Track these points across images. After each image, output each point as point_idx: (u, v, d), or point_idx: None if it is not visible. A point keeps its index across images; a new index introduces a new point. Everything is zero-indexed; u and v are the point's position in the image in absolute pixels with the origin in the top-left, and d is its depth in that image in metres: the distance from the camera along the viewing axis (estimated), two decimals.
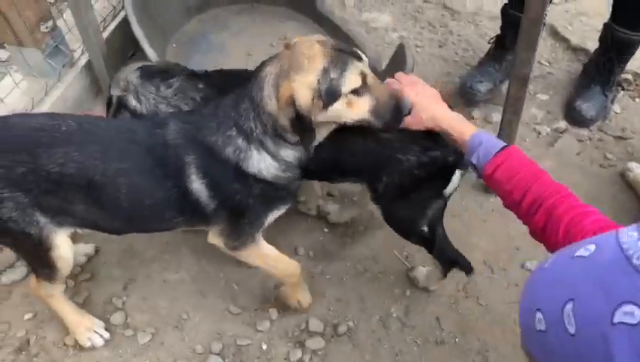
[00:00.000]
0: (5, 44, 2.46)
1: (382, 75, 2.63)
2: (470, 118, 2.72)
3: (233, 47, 3.01)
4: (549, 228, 1.31)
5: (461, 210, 2.35)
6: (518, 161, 1.44)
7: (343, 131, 1.63)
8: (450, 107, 1.65)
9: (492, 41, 2.80)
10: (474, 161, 1.49)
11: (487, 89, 2.71)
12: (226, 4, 3.21)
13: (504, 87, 2.80)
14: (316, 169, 1.74)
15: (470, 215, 2.34)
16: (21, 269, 2.13)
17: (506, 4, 2.65)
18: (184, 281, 2.13)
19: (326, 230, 2.29)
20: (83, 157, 1.50)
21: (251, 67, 2.78)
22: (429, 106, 1.60)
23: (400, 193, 1.74)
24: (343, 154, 1.74)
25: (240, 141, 1.55)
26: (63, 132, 1.51)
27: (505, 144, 1.48)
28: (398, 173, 1.69)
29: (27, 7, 2.29)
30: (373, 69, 2.72)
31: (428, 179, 1.70)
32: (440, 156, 1.66)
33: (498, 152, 1.46)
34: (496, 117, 2.72)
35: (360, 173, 1.79)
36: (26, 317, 2.03)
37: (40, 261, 1.68)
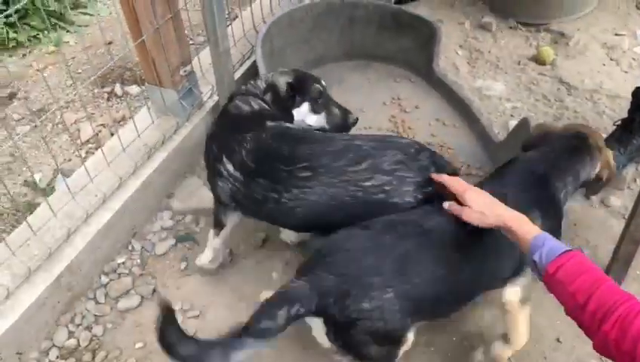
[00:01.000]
0: (146, 83, 2.64)
1: (501, 146, 2.63)
2: (587, 198, 2.63)
3: (346, 102, 3.07)
4: (621, 338, 1.23)
5: None
6: (582, 263, 1.39)
7: None
8: None
9: (617, 123, 2.72)
10: (536, 259, 1.45)
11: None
12: (341, 59, 3.32)
13: (626, 171, 2.71)
14: None
15: None
16: (136, 297, 2.24)
17: (638, 87, 2.57)
18: (288, 333, 2.14)
19: None
20: None
21: (362, 123, 2.88)
22: (493, 206, 1.63)
23: None
24: None
25: None
26: None
27: (570, 248, 1.45)
28: None
29: (173, 53, 2.47)
30: (487, 137, 2.74)
31: None
32: None
33: (562, 253, 1.42)
34: (614, 200, 2.62)
35: None
36: (137, 345, 2.12)
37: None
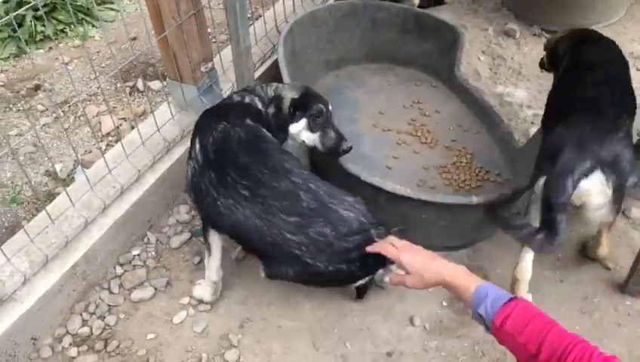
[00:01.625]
0: (167, 78, 2.67)
1: (520, 152, 2.60)
2: None
3: (366, 104, 3.09)
4: None
5: (592, 308, 2.21)
6: (528, 310, 1.37)
7: None
8: None
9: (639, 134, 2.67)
10: (482, 312, 1.41)
11: (633, 182, 2.57)
12: (362, 62, 3.32)
13: None
14: None
15: (603, 315, 2.19)
16: (150, 289, 2.26)
17: None
18: (298, 330, 2.15)
19: (444, 304, 2.23)
20: None
21: (381, 126, 2.86)
22: (430, 264, 1.60)
23: None
24: None
25: None
26: None
27: (513, 296, 1.41)
28: None
29: (195, 50, 2.50)
30: (506, 143, 2.72)
31: None
32: None
33: (506, 302, 1.39)
34: (635, 212, 2.57)
35: None
36: (149, 336, 2.13)
37: None
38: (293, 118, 2.17)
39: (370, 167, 2.63)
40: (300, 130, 2.20)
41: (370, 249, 1.84)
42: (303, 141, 2.24)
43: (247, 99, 2.18)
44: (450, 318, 2.19)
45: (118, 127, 2.97)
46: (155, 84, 3.24)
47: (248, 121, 2.08)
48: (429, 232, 2.32)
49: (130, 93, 3.21)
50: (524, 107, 3.17)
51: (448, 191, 2.58)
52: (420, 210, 2.20)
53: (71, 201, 2.22)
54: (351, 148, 2.20)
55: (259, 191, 1.90)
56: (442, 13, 3.62)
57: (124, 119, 3.04)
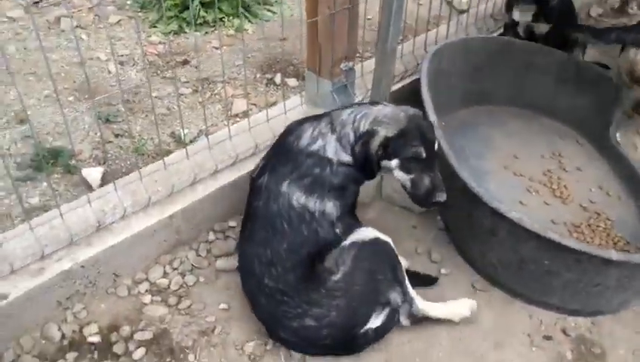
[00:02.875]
0: (306, 69, 2.66)
1: None
2: None
3: (500, 145, 2.87)
4: None
5: None
6: None
7: None
8: None
9: None
10: None
11: None
12: (505, 104, 3.11)
13: None
14: None
15: None
16: (235, 262, 2.17)
17: None
18: None
19: None
20: None
21: (513, 169, 2.63)
22: None
23: None
24: None
25: None
26: None
27: None
28: None
29: (340, 44, 2.47)
30: None
31: None
32: None
33: None
34: None
35: None
36: (221, 306, 2.04)
37: None
38: (385, 157, 1.96)
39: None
40: (392, 167, 1.98)
41: None
42: (398, 179, 2.04)
43: (318, 144, 1.97)
44: None
45: (248, 110, 3.02)
46: (292, 82, 3.28)
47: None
48: (549, 285, 2.03)
49: (266, 85, 3.27)
50: None
51: None
52: (545, 253, 1.93)
53: (187, 155, 2.24)
54: (444, 202, 1.96)
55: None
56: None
57: (255, 105, 3.09)
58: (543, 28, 3.24)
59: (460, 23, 3.30)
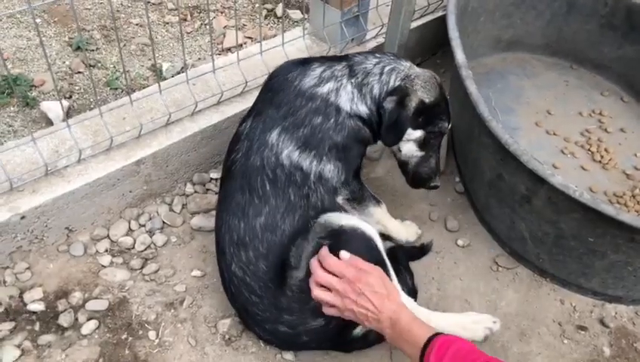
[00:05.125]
0: None
1: None
2: None
3: (532, 98, 2.47)
4: None
5: None
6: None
7: None
8: None
9: None
10: None
11: None
12: (540, 52, 2.69)
13: None
14: None
15: None
16: (214, 220, 1.82)
17: None
18: None
19: None
20: None
21: (545, 126, 2.25)
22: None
23: None
24: None
25: None
26: None
27: None
28: None
29: None
30: None
31: None
32: None
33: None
34: None
35: None
36: (194, 273, 1.70)
37: None
38: (413, 124, 1.62)
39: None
40: (411, 138, 1.65)
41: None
42: (398, 150, 1.71)
43: (328, 86, 1.57)
44: None
45: (241, 44, 2.61)
46: (296, 14, 2.85)
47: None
48: (590, 266, 1.68)
49: (265, 17, 2.84)
50: None
51: None
52: (592, 229, 1.56)
53: (160, 89, 1.86)
54: (436, 187, 1.77)
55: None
56: None
57: (251, 38, 2.67)
58: None
59: None
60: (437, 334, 1.25)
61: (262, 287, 1.44)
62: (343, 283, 1.35)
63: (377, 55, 1.66)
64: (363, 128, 1.61)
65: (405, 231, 1.86)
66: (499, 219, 1.87)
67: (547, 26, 2.62)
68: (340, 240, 1.45)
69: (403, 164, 1.74)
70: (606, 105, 2.49)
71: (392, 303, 1.33)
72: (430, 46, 2.63)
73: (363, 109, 1.59)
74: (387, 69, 1.61)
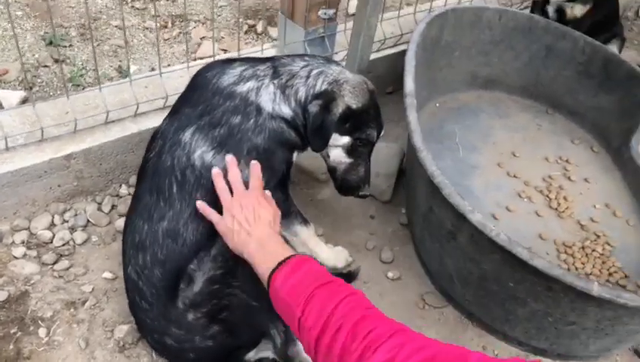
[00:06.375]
0: (279, 11, 2.24)
1: None
2: None
3: (500, 139, 2.41)
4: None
5: None
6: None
7: None
8: None
9: None
10: None
11: None
12: (516, 93, 2.64)
13: None
14: None
15: None
16: None
17: None
18: None
19: None
20: None
21: (507, 168, 2.19)
22: None
23: None
24: None
25: None
26: None
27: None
28: None
29: None
30: None
31: None
32: None
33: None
34: None
35: None
36: (105, 275, 1.66)
37: None
38: (339, 130, 1.59)
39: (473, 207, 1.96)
40: (338, 145, 1.62)
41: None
42: (327, 155, 1.67)
43: (248, 85, 1.52)
44: None
45: (213, 56, 2.61)
46: (275, 32, 2.85)
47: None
48: (512, 313, 1.60)
49: (246, 32, 2.85)
50: None
51: None
52: (511, 272, 1.49)
53: (99, 86, 1.85)
54: (365, 197, 1.75)
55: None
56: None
57: (225, 51, 2.68)
58: (578, 10, 2.76)
59: None
60: (294, 255, 1.24)
61: (153, 294, 1.39)
62: (239, 191, 1.39)
63: (306, 58, 1.63)
64: (287, 130, 1.56)
65: (334, 257, 1.80)
66: (430, 255, 1.81)
67: (525, 68, 2.57)
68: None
69: (332, 170, 1.71)
70: (574, 153, 2.41)
71: (270, 229, 1.33)
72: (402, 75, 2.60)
73: (286, 111, 1.55)
74: (315, 72, 1.57)
